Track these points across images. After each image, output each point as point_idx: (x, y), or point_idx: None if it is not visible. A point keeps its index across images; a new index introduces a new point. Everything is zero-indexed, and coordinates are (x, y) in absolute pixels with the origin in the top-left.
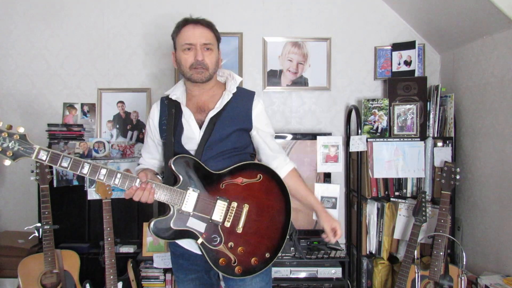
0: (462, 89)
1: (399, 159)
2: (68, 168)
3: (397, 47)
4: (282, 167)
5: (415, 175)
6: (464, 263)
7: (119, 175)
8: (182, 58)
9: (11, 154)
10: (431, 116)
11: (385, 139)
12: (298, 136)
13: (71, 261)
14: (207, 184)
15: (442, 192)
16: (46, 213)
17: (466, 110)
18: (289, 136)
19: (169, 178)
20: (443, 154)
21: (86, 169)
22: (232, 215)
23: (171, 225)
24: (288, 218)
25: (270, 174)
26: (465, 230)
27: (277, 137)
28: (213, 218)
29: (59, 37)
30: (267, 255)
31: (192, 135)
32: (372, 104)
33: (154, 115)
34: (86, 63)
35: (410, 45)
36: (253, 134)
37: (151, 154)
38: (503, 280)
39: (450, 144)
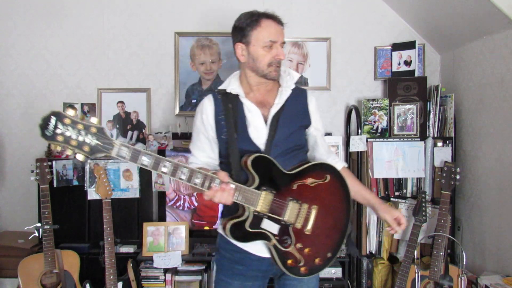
0: (462, 89)
1: (399, 159)
2: (149, 167)
3: (397, 47)
4: (335, 165)
5: (415, 175)
6: (464, 263)
7: (199, 175)
8: (260, 54)
9: (88, 150)
10: (431, 116)
11: (385, 139)
12: None
13: (71, 261)
14: (280, 184)
15: (442, 192)
16: (46, 213)
17: (466, 110)
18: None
19: (239, 177)
20: (443, 154)
21: (167, 169)
22: (303, 216)
23: (247, 227)
24: (348, 218)
25: (337, 175)
26: (465, 230)
27: None
28: (286, 219)
29: (59, 37)
30: (329, 254)
31: (258, 131)
32: (372, 104)
33: (207, 111)
34: (86, 63)
35: (410, 45)
36: (310, 131)
37: (204, 152)
38: (503, 280)
39: (450, 144)
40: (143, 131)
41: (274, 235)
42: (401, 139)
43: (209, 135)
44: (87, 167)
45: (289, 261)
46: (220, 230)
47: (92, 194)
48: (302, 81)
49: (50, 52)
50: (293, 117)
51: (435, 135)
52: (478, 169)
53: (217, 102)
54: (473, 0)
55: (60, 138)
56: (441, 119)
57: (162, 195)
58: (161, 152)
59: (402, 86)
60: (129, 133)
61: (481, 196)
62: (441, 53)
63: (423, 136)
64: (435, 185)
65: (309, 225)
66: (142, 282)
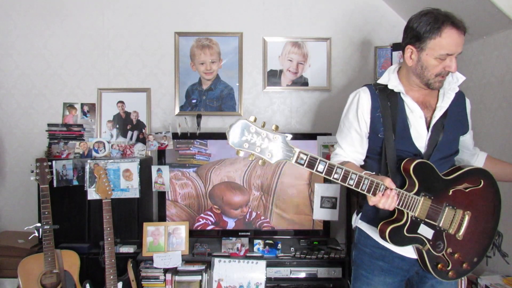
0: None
1: None
2: (323, 173)
3: (397, 47)
4: (477, 158)
5: None
6: None
7: (366, 181)
8: (431, 63)
9: (271, 156)
10: None
11: None
12: (298, 136)
13: (71, 261)
14: (438, 190)
15: None
16: (46, 213)
17: None
18: (289, 136)
19: (395, 179)
20: None
21: (338, 175)
22: (457, 222)
23: (405, 232)
24: (497, 222)
25: (490, 179)
26: None
27: None
28: (441, 225)
29: (59, 37)
30: (475, 259)
31: (419, 133)
32: None
33: (364, 106)
34: (86, 63)
35: None
36: (467, 137)
37: (353, 147)
38: (503, 280)
39: None
40: (143, 131)
41: (428, 240)
42: None
43: (361, 131)
44: (87, 167)
45: (439, 265)
46: (360, 226)
47: (92, 194)
48: (302, 81)
49: (50, 52)
50: (456, 122)
51: None
52: None
53: (374, 97)
54: (473, 0)
55: (245, 145)
56: None
57: (162, 195)
58: (161, 152)
59: None
60: (129, 133)
61: None
62: None
63: None
64: None
65: (461, 231)
66: (142, 282)
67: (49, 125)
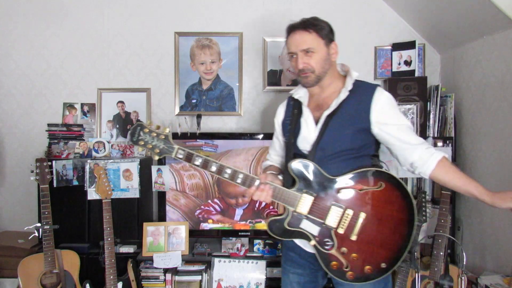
0: (462, 89)
1: None
2: (200, 166)
3: (397, 47)
4: (427, 160)
5: (415, 175)
6: (464, 263)
7: (241, 175)
8: (291, 64)
9: (159, 151)
10: (431, 116)
11: None
12: None
13: (71, 261)
14: (324, 188)
15: (442, 192)
16: (46, 213)
17: (466, 110)
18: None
19: (288, 179)
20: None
21: (214, 168)
22: (347, 222)
23: (285, 225)
24: (411, 230)
25: (394, 183)
26: (465, 230)
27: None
28: (326, 222)
29: (59, 37)
30: (383, 265)
31: (308, 135)
32: None
33: (279, 115)
34: (86, 63)
35: (410, 45)
36: (375, 132)
37: (275, 151)
38: (503, 280)
39: (450, 144)
40: None
41: (314, 236)
42: None
43: (278, 136)
44: (87, 167)
45: (333, 263)
46: None
47: (92, 194)
48: None
49: (50, 52)
50: (347, 119)
51: (435, 135)
52: (478, 169)
53: (289, 106)
54: (473, 0)
55: (141, 142)
56: (441, 119)
57: (162, 195)
58: None
59: (402, 86)
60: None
61: None
62: (441, 53)
63: (423, 136)
64: (435, 185)
65: (355, 232)
66: (142, 282)
67: (49, 125)
